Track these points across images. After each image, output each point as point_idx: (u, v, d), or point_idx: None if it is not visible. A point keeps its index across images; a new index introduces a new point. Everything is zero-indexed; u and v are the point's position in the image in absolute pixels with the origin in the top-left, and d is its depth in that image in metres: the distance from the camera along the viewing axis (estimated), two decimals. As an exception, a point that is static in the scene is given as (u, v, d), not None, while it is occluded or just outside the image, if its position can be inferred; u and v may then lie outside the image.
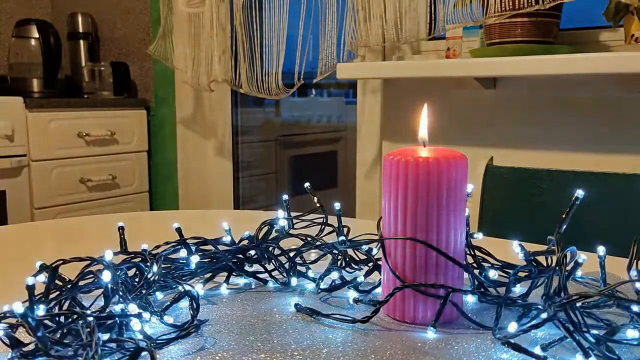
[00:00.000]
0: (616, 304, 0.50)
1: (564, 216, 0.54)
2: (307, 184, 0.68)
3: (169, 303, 0.51)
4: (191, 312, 0.49)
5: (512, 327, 0.46)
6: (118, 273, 0.51)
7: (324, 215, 0.67)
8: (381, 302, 0.51)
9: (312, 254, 0.67)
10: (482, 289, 0.54)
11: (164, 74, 2.36)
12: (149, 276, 0.53)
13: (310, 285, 0.59)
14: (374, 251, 0.61)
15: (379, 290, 0.56)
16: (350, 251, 0.63)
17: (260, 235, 0.63)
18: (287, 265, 0.59)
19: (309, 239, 0.64)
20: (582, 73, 1.31)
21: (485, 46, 1.50)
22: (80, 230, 0.95)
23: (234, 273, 0.60)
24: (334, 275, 0.57)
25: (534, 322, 0.46)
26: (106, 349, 0.41)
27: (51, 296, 0.49)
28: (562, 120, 1.49)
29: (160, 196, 2.50)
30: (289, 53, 1.92)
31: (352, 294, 0.55)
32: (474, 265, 0.57)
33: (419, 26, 1.64)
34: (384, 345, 0.46)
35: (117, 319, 0.44)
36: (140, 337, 0.43)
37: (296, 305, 0.52)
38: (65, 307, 0.49)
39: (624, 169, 1.05)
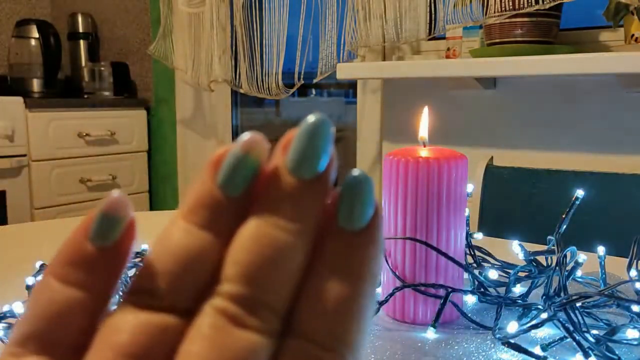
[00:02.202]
0: (616, 304, 0.50)
1: (564, 216, 0.54)
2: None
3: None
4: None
5: (512, 327, 0.46)
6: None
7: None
8: (381, 302, 0.51)
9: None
10: (482, 289, 0.54)
11: (164, 74, 2.36)
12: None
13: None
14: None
15: (379, 290, 0.56)
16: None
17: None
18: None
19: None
20: (582, 73, 1.31)
21: (485, 46, 1.50)
22: (80, 230, 0.94)
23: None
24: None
25: (534, 322, 0.46)
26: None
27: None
28: (562, 120, 1.49)
29: (160, 196, 2.49)
30: (289, 53, 1.92)
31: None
32: (474, 265, 0.57)
33: (419, 26, 1.64)
34: (384, 345, 0.46)
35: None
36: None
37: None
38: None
39: (624, 169, 1.05)
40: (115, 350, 0.16)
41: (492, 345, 0.46)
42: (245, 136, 0.18)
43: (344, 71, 1.63)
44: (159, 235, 0.18)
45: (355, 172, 0.18)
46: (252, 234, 0.17)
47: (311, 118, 0.18)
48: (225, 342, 0.16)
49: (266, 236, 0.17)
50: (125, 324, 0.17)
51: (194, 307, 0.17)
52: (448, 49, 1.63)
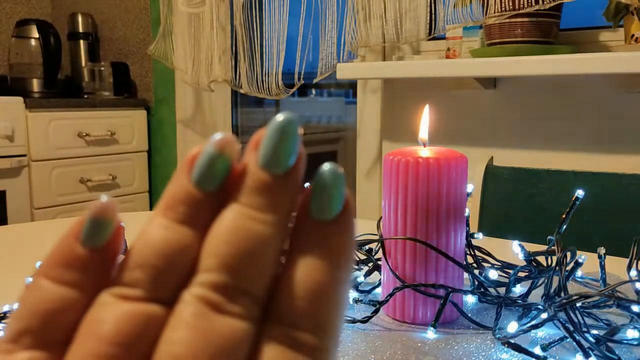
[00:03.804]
0: (616, 304, 0.50)
1: (564, 216, 0.54)
2: (307, 184, 0.68)
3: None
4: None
5: (512, 327, 0.46)
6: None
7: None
8: (381, 302, 0.51)
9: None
10: (482, 289, 0.54)
11: (164, 74, 2.36)
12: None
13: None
14: (374, 251, 0.61)
15: (379, 290, 0.56)
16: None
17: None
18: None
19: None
20: (582, 73, 1.31)
21: (485, 46, 1.50)
22: (80, 230, 0.94)
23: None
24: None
25: (534, 322, 0.46)
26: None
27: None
28: (562, 120, 1.49)
29: (160, 196, 2.49)
30: (289, 53, 1.92)
31: (352, 294, 0.55)
32: (474, 265, 0.57)
33: (419, 26, 1.64)
34: (384, 345, 0.46)
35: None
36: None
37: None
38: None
39: (624, 169, 1.05)
40: (100, 339, 0.17)
41: (492, 345, 0.46)
42: (217, 136, 0.19)
43: (344, 71, 1.63)
44: (139, 232, 0.19)
45: (326, 166, 0.19)
46: (228, 226, 0.18)
47: (279, 117, 0.19)
48: (208, 328, 0.17)
49: (242, 228, 0.18)
50: (108, 315, 0.17)
51: (175, 298, 0.18)
52: (448, 49, 1.63)
